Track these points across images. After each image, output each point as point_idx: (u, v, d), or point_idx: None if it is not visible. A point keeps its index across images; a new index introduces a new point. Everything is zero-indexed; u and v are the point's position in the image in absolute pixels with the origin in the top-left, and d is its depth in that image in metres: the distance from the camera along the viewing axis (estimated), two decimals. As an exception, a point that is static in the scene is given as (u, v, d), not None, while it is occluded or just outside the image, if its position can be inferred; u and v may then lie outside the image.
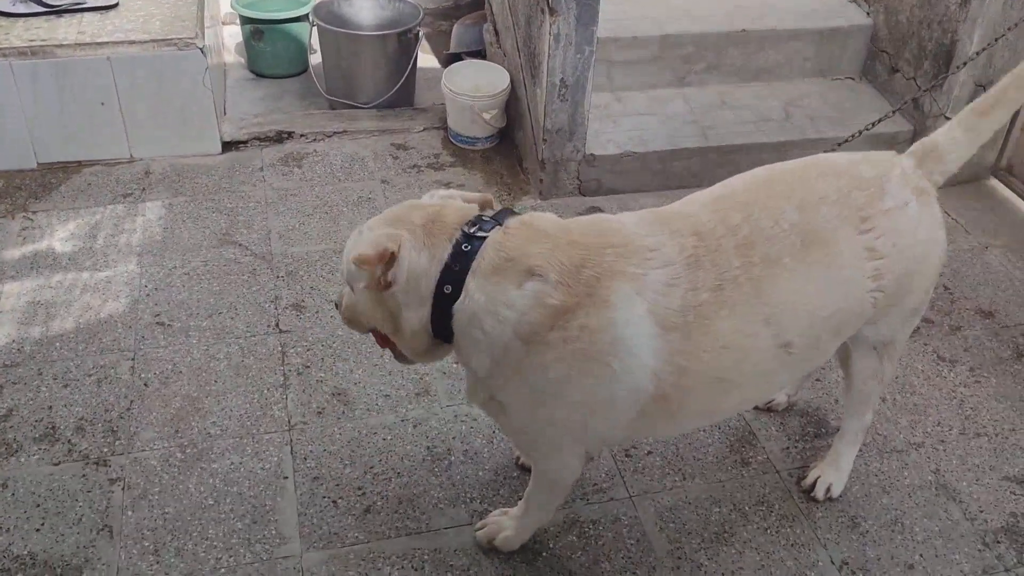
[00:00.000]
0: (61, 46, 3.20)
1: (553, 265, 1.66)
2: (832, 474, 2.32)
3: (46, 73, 3.20)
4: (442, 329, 1.73)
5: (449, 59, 4.20)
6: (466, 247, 1.68)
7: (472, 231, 1.69)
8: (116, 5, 3.44)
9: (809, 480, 2.34)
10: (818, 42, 3.77)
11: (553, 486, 1.99)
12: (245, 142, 3.54)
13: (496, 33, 3.78)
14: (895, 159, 1.95)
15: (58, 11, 3.37)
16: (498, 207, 1.83)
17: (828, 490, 2.31)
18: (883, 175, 1.88)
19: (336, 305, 1.95)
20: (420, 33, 3.80)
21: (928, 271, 1.96)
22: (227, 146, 3.52)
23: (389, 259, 1.67)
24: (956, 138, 1.97)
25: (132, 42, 3.24)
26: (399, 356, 1.91)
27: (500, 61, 3.72)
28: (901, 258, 1.86)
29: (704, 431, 2.48)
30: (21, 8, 3.36)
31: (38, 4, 3.36)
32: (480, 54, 4.06)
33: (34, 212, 3.16)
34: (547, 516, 2.11)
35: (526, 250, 1.67)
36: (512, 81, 3.54)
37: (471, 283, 1.67)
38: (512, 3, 3.44)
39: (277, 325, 2.75)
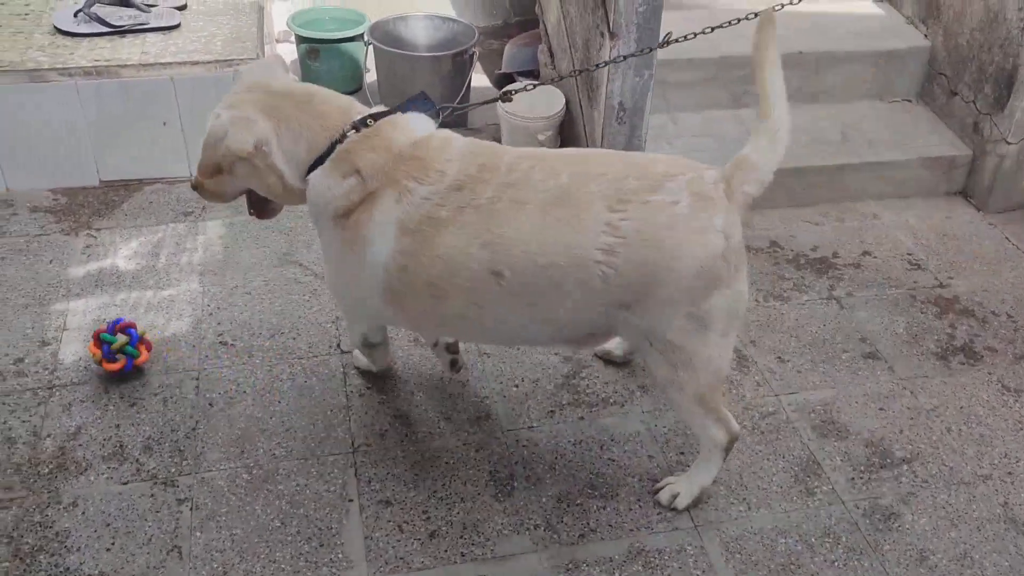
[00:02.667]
0: (125, 66, 3.25)
1: (374, 170, 2.03)
2: (683, 485, 2.33)
3: (110, 92, 3.26)
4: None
5: (501, 79, 4.22)
6: (336, 144, 2.06)
7: (348, 131, 2.06)
8: (178, 26, 3.49)
9: (660, 485, 2.37)
10: (875, 64, 3.75)
11: (356, 350, 2.61)
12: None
13: (551, 55, 3.79)
14: (697, 167, 2.04)
15: (121, 31, 3.43)
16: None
17: (674, 499, 2.32)
18: (670, 174, 1.99)
19: (194, 187, 2.24)
20: (475, 54, 3.82)
21: (681, 271, 1.97)
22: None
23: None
24: (761, 146, 2.03)
25: (195, 63, 3.29)
26: (262, 212, 2.36)
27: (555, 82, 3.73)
28: (642, 246, 1.95)
29: (767, 460, 2.46)
30: (85, 28, 3.42)
31: (102, 24, 3.42)
32: (532, 74, 4.07)
33: (97, 230, 3.21)
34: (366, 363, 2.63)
35: (362, 154, 2.04)
36: (567, 103, 3.55)
37: (324, 166, 2.08)
38: (569, 26, 3.45)
39: (339, 346, 2.76)
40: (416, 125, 2.12)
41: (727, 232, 1.99)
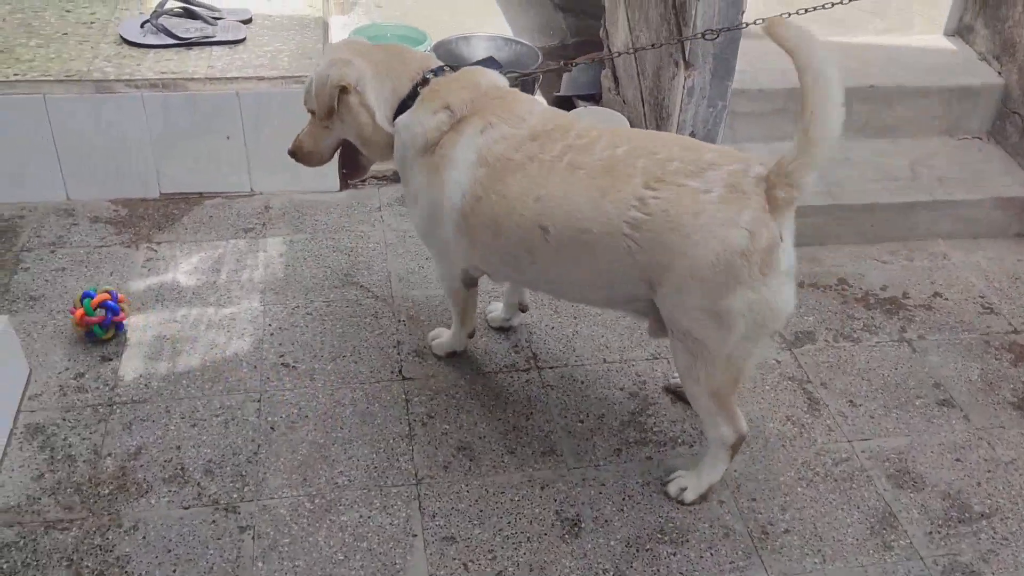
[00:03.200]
0: (192, 79, 3.24)
1: (462, 103, 2.21)
2: (691, 480, 2.38)
3: (176, 105, 3.24)
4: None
5: (559, 101, 4.18)
6: (420, 89, 2.27)
7: (428, 76, 2.27)
8: (244, 40, 3.48)
9: (670, 477, 2.42)
10: (947, 100, 3.67)
11: (449, 292, 2.59)
12: (363, 180, 3.54)
13: (615, 80, 3.74)
14: (747, 161, 2.02)
15: (188, 44, 3.41)
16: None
17: (682, 491, 2.38)
18: (715, 163, 2.01)
19: (292, 152, 2.50)
20: (539, 77, 3.77)
21: (696, 259, 1.99)
22: (345, 184, 3.53)
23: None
24: (794, 149, 1.95)
25: (261, 78, 3.27)
26: (354, 170, 2.61)
27: (619, 108, 3.68)
28: (664, 227, 1.99)
29: (841, 509, 2.39)
30: (152, 40, 3.41)
31: (168, 36, 3.41)
32: (593, 99, 4.02)
33: (158, 243, 3.19)
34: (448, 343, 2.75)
35: (452, 91, 2.23)
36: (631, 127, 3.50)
37: (413, 107, 2.27)
38: (638, 53, 3.40)
39: (400, 372, 2.72)
40: (498, 76, 2.33)
41: (752, 230, 1.96)
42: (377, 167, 3.60)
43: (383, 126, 2.32)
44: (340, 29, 4.53)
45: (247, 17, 3.62)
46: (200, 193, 3.44)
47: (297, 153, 2.50)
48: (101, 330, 2.71)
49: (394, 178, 3.58)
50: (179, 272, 3.06)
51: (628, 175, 2.04)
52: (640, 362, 2.81)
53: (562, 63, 2.48)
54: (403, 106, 2.30)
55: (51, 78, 3.17)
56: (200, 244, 3.20)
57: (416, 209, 2.39)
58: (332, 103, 2.31)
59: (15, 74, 3.17)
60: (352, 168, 2.61)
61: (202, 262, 3.11)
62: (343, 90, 2.29)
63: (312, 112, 2.42)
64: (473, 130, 2.20)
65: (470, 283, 2.57)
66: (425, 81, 2.27)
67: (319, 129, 2.43)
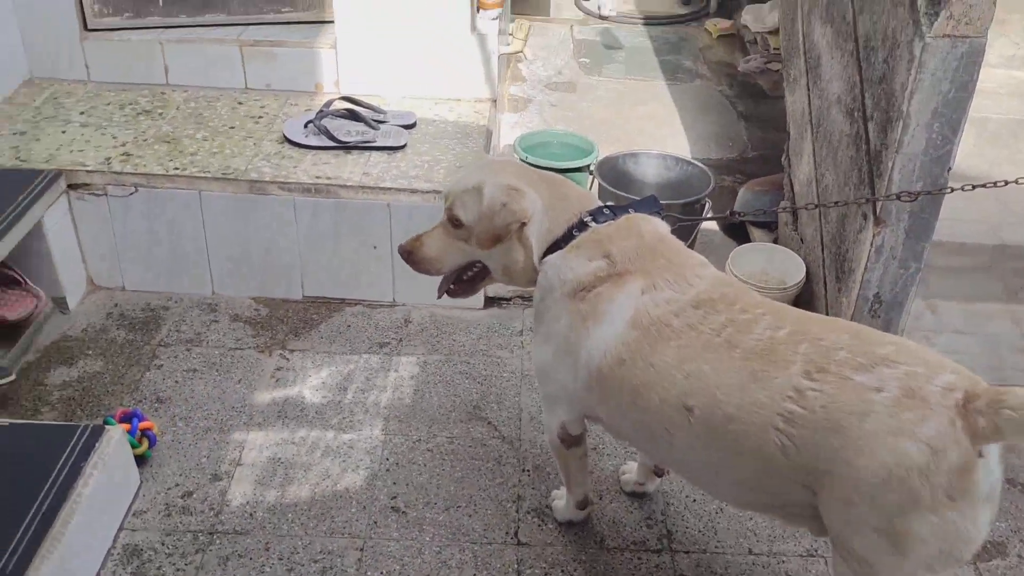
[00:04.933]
0: (345, 187, 3.15)
1: (625, 256, 2.01)
2: None
3: (326, 210, 3.17)
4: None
5: (729, 225, 3.87)
6: (576, 232, 2.06)
7: (587, 219, 2.07)
8: (404, 146, 3.38)
9: None
10: None
11: (551, 443, 2.32)
12: (508, 299, 3.35)
13: (794, 214, 3.40)
14: (935, 366, 1.70)
15: (347, 147, 3.35)
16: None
17: None
18: (890, 360, 1.71)
19: (407, 252, 2.22)
20: (708, 203, 3.49)
21: (862, 471, 1.67)
22: (489, 302, 3.34)
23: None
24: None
25: (414, 191, 3.15)
26: (464, 292, 2.32)
27: (794, 246, 3.33)
28: (823, 426, 1.71)
29: None
30: (313, 141, 3.36)
31: (329, 138, 3.35)
32: (768, 227, 3.69)
33: (291, 351, 3.09)
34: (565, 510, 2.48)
35: (615, 241, 2.02)
36: (808, 273, 3.14)
37: (566, 250, 2.06)
38: (822, 192, 3.07)
39: (516, 534, 2.46)
40: (660, 224, 2.12)
41: (936, 447, 1.62)
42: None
43: (533, 263, 2.12)
44: (509, 128, 4.41)
45: (411, 122, 3.53)
46: (342, 299, 3.34)
47: (414, 255, 2.22)
48: (133, 440, 2.58)
49: (541, 301, 3.37)
50: (306, 386, 2.94)
51: (787, 361, 1.78)
52: (792, 558, 2.44)
53: (728, 213, 2.20)
54: (555, 245, 2.09)
55: (209, 175, 3.16)
56: (333, 356, 3.08)
57: (544, 347, 2.16)
58: (503, 234, 2.08)
59: (176, 168, 3.18)
60: (465, 289, 2.31)
61: (331, 377, 2.98)
62: (520, 225, 2.08)
63: (452, 221, 2.15)
64: (634, 289, 1.98)
65: (577, 440, 2.28)
66: (583, 224, 2.06)
67: (453, 241, 2.17)
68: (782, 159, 3.64)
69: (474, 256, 2.19)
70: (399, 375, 3.01)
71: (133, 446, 2.56)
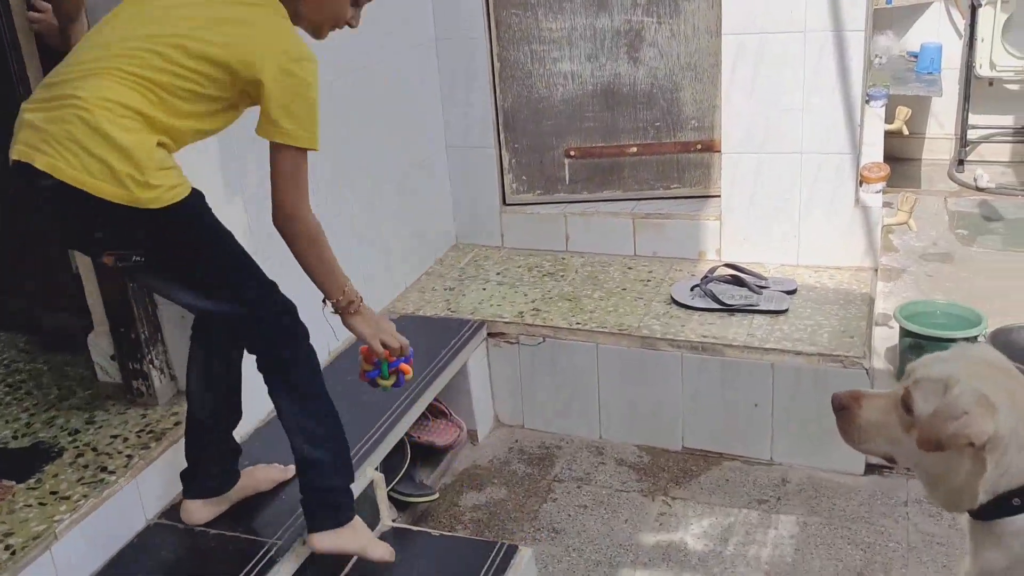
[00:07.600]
0: (730, 346, 3.35)
1: None
2: None
3: (711, 368, 3.38)
4: (987, 512, 1.68)
5: None
6: None
7: None
8: (786, 311, 3.54)
9: None
10: None
11: None
12: (891, 468, 3.30)
13: None
14: None
15: (732, 310, 3.57)
16: None
17: None
18: None
19: (842, 405, 1.84)
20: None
21: None
22: (870, 468, 3.32)
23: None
24: None
25: (798, 352, 3.27)
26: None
27: None
28: None
29: None
30: (699, 303, 3.62)
31: (714, 301, 3.60)
32: None
33: (673, 498, 3.27)
34: None
35: None
36: None
37: None
38: None
39: None
40: None
41: None
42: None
43: (973, 496, 1.68)
44: (883, 298, 4.41)
45: (792, 288, 3.69)
46: (720, 453, 3.49)
47: (848, 412, 1.83)
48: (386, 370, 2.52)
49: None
50: (688, 533, 3.09)
51: None
52: None
53: None
54: (1018, 494, 1.63)
55: (606, 330, 3.52)
56: (713, 508, 3.21)
57: None
58: (944, 445, 1.66)
59: (577, 322, 3.58)
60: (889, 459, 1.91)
61: (712, 527, 3.11)
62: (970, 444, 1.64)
63: (904, 402, 1.75)
64: None
65: None
66: None
67: (893, 422, 1.77)
68: None
69: (906, 451, 1.77)
70: (779, 533, 3.06)
71: (384, 377, 2.53)
